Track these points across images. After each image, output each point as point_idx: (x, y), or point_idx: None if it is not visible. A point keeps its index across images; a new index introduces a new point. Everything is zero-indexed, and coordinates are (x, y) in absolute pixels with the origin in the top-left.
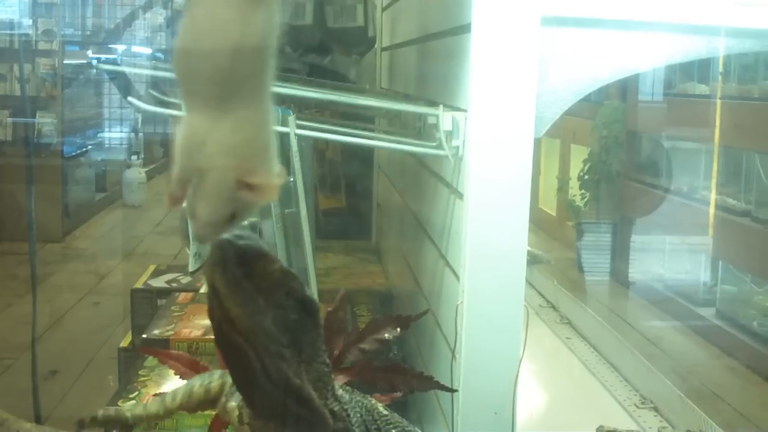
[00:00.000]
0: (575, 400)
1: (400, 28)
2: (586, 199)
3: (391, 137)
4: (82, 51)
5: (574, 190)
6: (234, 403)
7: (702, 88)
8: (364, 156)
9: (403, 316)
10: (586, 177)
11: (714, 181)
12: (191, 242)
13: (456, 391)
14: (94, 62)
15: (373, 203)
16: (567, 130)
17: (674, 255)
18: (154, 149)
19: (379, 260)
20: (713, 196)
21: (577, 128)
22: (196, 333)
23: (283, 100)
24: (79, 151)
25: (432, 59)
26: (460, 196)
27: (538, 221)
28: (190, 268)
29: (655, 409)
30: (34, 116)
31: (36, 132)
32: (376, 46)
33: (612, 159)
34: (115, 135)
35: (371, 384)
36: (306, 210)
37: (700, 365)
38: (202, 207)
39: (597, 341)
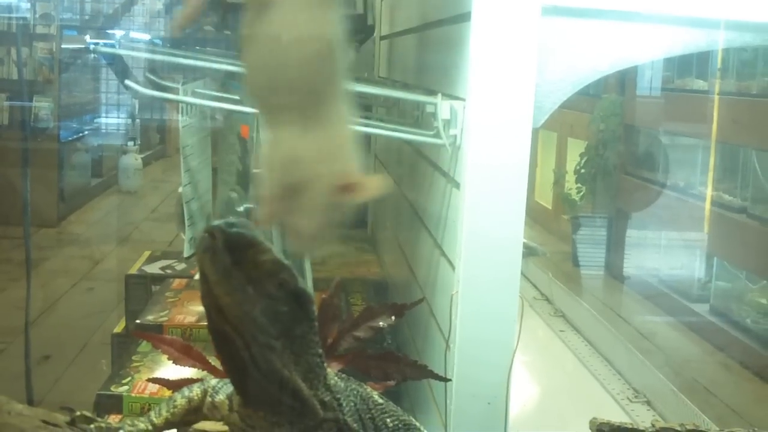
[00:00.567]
0: (568, 392)
1: (399, 17)
2: (582, 193)
3: (389, 125)
4: (80, 36)
5: (571, 183)
6: (222, 396)
7: (700, 84)
8: (359, 145)
9: (398, 305)
10: (583, 171)
11: (710, 177)
12: (186, 228)
13: (449, 380)
14: (92, 47)
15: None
16: (564, 123)
17: (669, 250)
18: (151, 135)
19: (374, 249)
20: (709, 192)
21: (575, 122)
22: (190, 319)
23: None
24: (75, 136)
25: (431, 48)
26: (457, 185)
27: (534, 214)
28: (185, 254)
29: (648, 403)
30: (30, 100)
31: (32, 116)
32: (375, 34)
33: (609, 153)
34: (111, 121)
35: (364, 372)
36: None
37: (693, 360)
38: (307, 219)
39: (591, 334)
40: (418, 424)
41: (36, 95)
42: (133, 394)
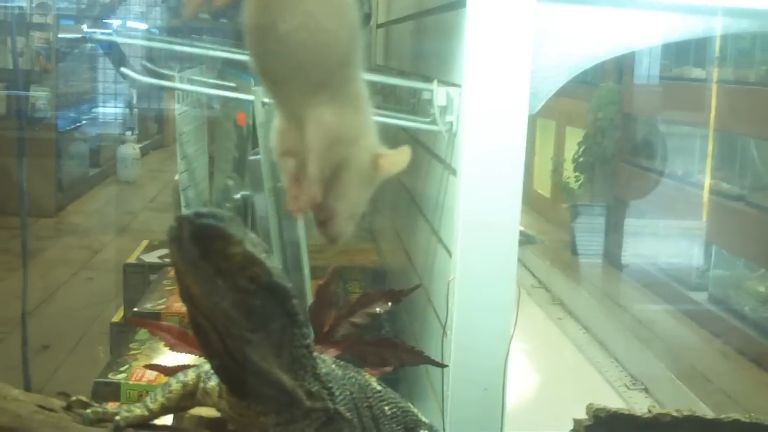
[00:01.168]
0: (566, 379)
1: (395, 4)
2: (580, 182)
3: (385, 112)
4: (77, 25)
5: (569, 172)
6: (213, 383)
7: (698, 72)
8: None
9: (395, 291)
10: (581, 159)
11: (709, 165)
12: None
13: (446, 366)
14: (88, 35)
15: None
16: (562, 111)
17: (668, 238)
18: (149, 125)
19: (372, 237)
20: (708, 180)
21: (573, 110)
22: None
23: None
24: (73, 126)
25: (427, 35)
26: (454, 172)
27: (533, 203)
28: None
29: (646, 390)
30: (28, 90)
31: (30, 106)
32: (371, 22)
33: (607, 141)
34: (109, 110)
35: (361, 358)
36: None
37: (691, 348)
38: (348, 201)
39: (589, 322)
40: (416, 410)
41: (33, 85)
42: (130, 382)
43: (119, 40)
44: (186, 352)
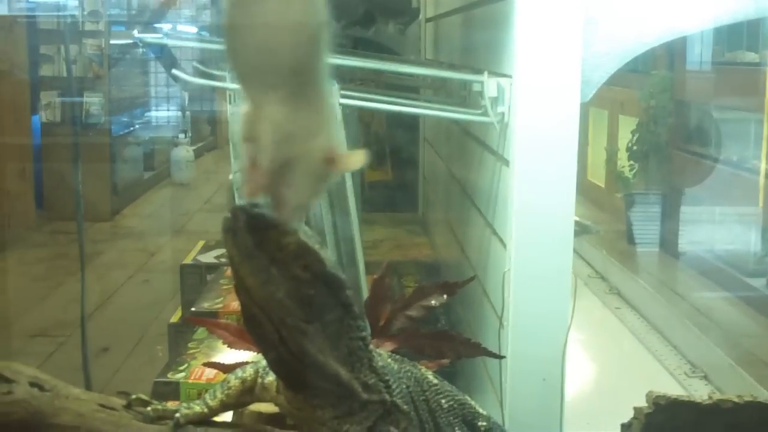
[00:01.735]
0: (624, 368)
1: None
2: (634, 170)
3: (436, 105)
4: (128, 31)
5: (623, 161)
6: (271, 378)
7: (751, 56)
8: (409, 128)
9: (450, 283)
10: (635, 148)
11: (764, 151)
12: None
13: (504, 357)
14: (140, 38)
15: (420, 175)
16: (614, 100)
17: (724, 225)
18: (202, 127)
19: (425, 232)
20: (763, 166)
21: (625, 99)
22: None
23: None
24: (126, 130)
25: (476, 27)
26: (506, 162)
27: (587, 193)
28: None
29: (705, 377)
30: (81, 96)
31: (84, 112)
32: (420, 17)
33: (660, 129)
34: (162, 114)
35: (418, 351)
36: (351, 180)
37: (750, 335)
38: (297, 191)
39: (646, 311)
40: (473, 402)
41: (86, 91)
42: (190, 381)
43: (169, 42)
44: (244, 350)
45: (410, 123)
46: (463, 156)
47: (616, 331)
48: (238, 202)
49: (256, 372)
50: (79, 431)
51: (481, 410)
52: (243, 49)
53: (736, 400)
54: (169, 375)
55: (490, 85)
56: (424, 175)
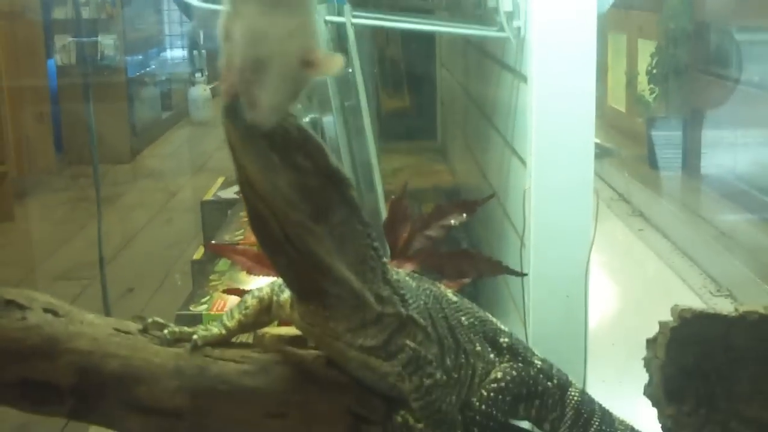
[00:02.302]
0: (648, 288)
1: None
2: (655, 94)
3: (450, 23)
4: None
5: (643, 85)
6: (285, 295)
7: None
8: (425, 53)
9: (469, 202)
10: (654, 71)
11: None
12: None
13: (525, 275)
14: None
15: (437, 100)
16: (633, 24)
17: (746, 147)
18: (218, 66)
19: (444, 158)
20: None
21: (644, 22)
22: None
23: None
24: (142, 71)
25: None
26: (524, 79)
27: (608, 118)
28: None
29: (731, 295)
30: (96, 38)
31: (99, 53)
32: None
33: (680, 52)
34: (177, 53)
35: (438, 271)
36: (367, 102)
37: None
38: (270, 92)
39: (670, 233)
40: (495, 320)
41: (101, 32)
42: (212, 312)
43: None
44: (263, 275)
45: (426, 48)
46: (480, 76)
47: (639, 252)
48: None
49: (272, 290)
50: (95, 356)
51: (502, 327)
52: None
53: (762, 311)
54: (191, 307)
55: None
56: (441, 100)
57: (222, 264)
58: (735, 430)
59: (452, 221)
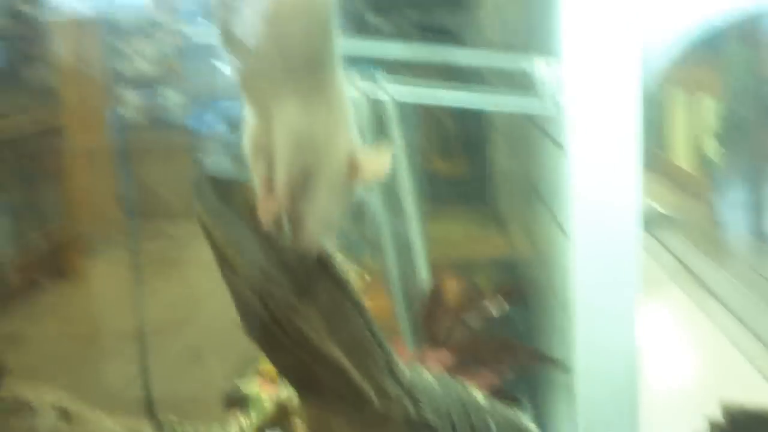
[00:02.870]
0: (712, 371)
1: None
2: (720, 153)
3: (487, 94)
4: (202, 24)
5: (707, 143)
6: None
7: None
8: (479, 117)
9: (511, 289)
10: (719, 130)
11: None
12: None
13: (568, 368)
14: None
15: (490, 164)
16: (694, 79)
17: None
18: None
19: (498, 226)
20: None
21: (704, 77)
22: None
23: (377, 62)
24: (206, 125)
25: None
26: (564, 149)
27: (673, 177)
28: None
29: None
30: (158, 92)
31: (161, 108)
32: None
33: (745, 109)
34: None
35: (478, 361)
36: (407, 175)
37: None
38: (320, 207)
39: (738, 307)
40: (528, 422)
41: (163, 86)
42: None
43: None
44: None
45: (479, 111)
46: (527, 143)
47: (703, 329)
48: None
49: (290, 396)
50: None
51: (533, 428)
52: (244, 47)
53: None
54: (241, 386)
55: (543, 70)
56: (494, 164)
57: None
58: None
59: (493, 311)
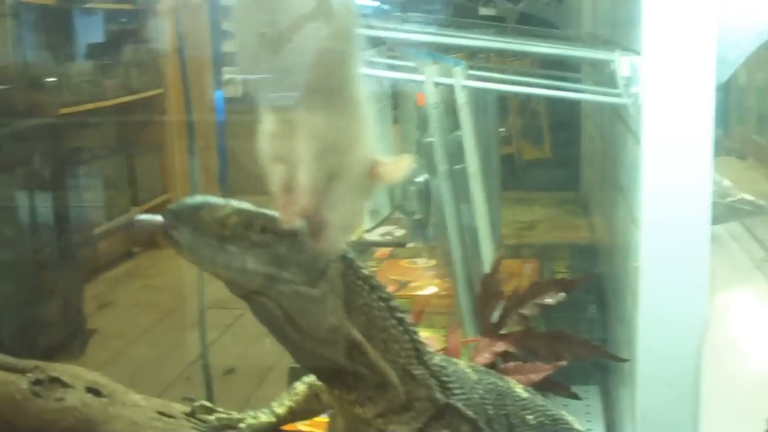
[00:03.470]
0: None
1: None
2: None
3: (568, 85)
4: None
5: None
6: None
7: None
8: (569, 104)
9: (568, 280)
10: None
11: None
12: None
13: (627, 360)
14: None
15: (581, 153)
16: None
17: None
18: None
19: (585, 212)
20: None
21: None
22: (389, 288)
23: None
24: None
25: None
26: (639, 141)
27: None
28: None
29: None
30: None
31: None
32: None
33: None
34: None
35: (532, 352)
36: (479, 164)
37: None
38: (341, 212)
39: None
40: (571, 418)
41: None
42: None
43: None
44: None
45: (569, 100)
46: (611, 131)
47: None
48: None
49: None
50: None
51: (578, 426)
52: (264, 53)
53: None
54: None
55: (622, 64)
56: (584, 151)
57: None
58: None
59: (549, 300)
